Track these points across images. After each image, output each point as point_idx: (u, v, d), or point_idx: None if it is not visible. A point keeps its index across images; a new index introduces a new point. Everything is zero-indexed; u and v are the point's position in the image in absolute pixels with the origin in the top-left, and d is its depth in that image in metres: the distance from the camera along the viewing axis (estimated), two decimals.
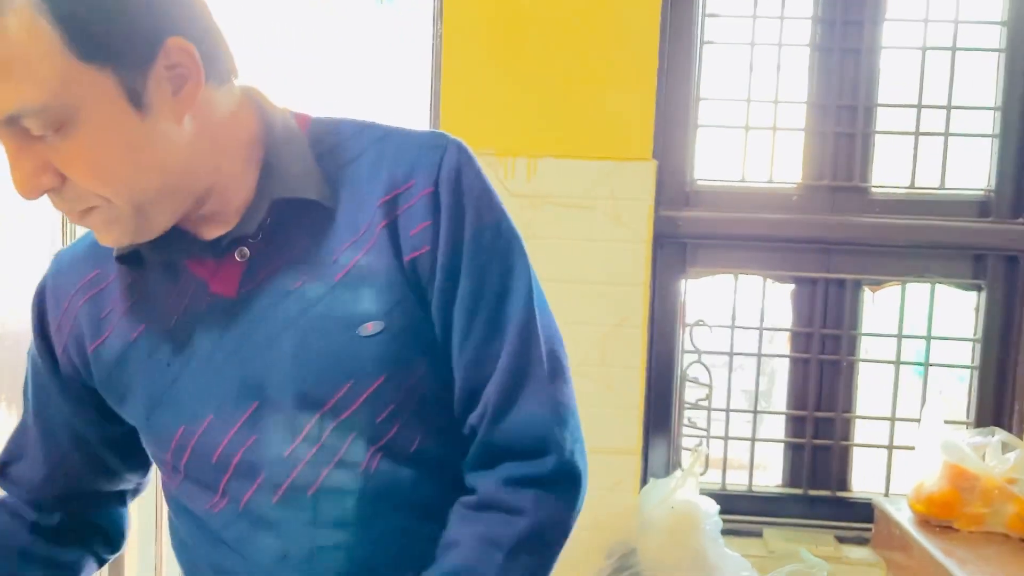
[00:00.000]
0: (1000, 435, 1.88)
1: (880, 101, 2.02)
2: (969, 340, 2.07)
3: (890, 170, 2.06)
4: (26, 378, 0.96)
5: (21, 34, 0.66)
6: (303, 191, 0.81)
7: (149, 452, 0.92)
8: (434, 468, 0.85)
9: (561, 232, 1.93)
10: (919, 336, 2.07)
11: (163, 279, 0.84)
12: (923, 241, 2.01)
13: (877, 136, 2.03)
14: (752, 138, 2.04)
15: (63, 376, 0.91)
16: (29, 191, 0.71)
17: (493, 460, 0.84)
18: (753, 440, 2.10)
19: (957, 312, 2.23)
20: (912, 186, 2.03)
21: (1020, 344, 2.00)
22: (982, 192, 2.03)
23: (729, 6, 2.03)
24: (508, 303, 0.84)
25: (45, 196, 0.75)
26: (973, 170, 2.05)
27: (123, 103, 0.70)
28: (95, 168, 0.72)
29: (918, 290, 2.07)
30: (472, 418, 0.84)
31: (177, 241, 0.82)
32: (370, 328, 0.80)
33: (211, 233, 0.82)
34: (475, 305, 0.83)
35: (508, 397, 0.83)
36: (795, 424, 2.10)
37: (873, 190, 2.04)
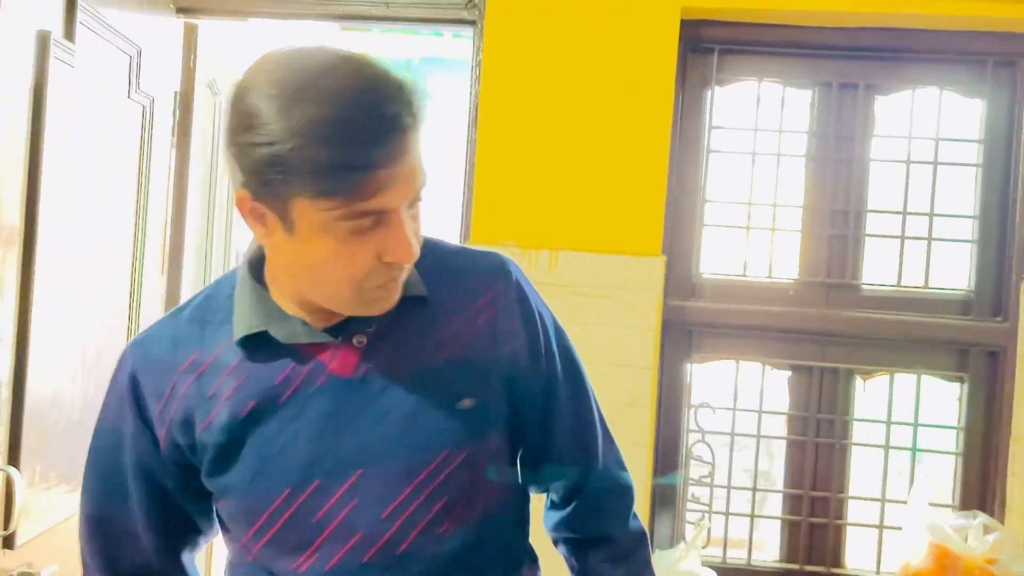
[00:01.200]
0: (982, 518, 2.03)
1: (869, 207, 2.23)
2: (953, 428, 2.23)
3: (879, 269, 2.26)
4: (107, 470, 1.02)
5: (411, 148, 0.87)
6: (414, 290, 0.98)
7: (233, 520, 1.01)
8: (490, 530, 1.02)
9: (578, 318, 2.13)
10: (907, 423, 2.24)
11: (274, 359, 0.96)
12: (910, 335, 2.19)
13: (867, 239, 2.23)
14: (753, 237, 2.24)
15: (163, 455, 0.99)
16: (414, 252, 0.91)
17: (604, 504, 1.11)
18: (752, 516, 2.25)
19: (943, 401, 2.39)
20: (899, 285, 2.23)
21: (1000, 433, 2.16)
22: (963, 292, 2.22)
23: (734, 119, 2.26)
24: (582, 373, 1.11)
25: None
26: (955, 272, 2.24)
27: None
28: (420, 237, 0.94)
29: (906, 380, 2.25)
30: (575, 471, 1.09)
31: (299, 328, 0.96)
32: (467, 403, 0.98)
33: (325, 322, 0.97)
34: (566, 380, 1.08)
35: (605, 449, 1.11)
36: (792, 502, 2.25)
37: (864, 287, 2.24)
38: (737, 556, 2.25)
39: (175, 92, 2.31)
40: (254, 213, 0.90)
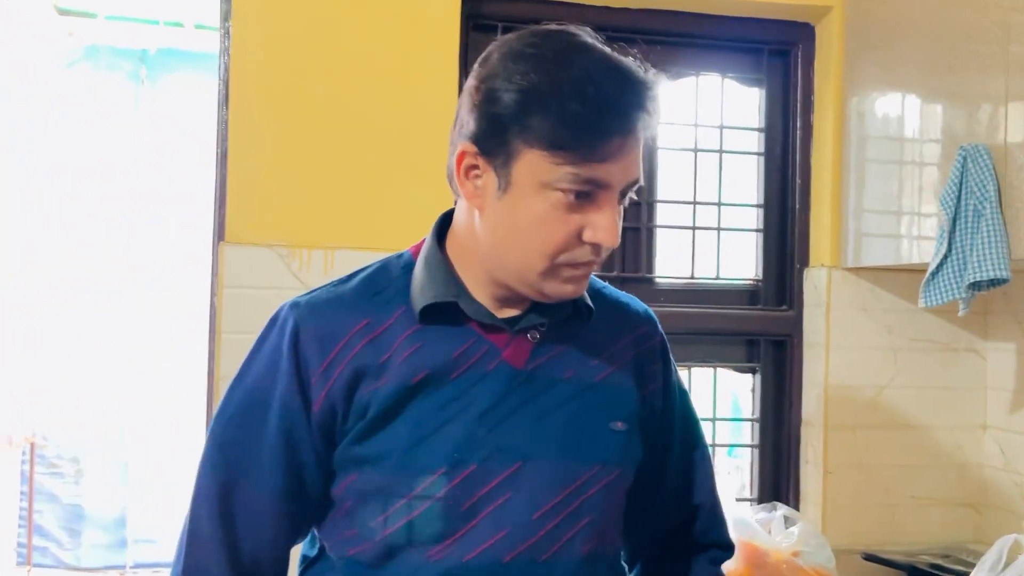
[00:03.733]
0: (782, 509, 1.99)
1: (660, 198, 2.15)
2: (749, 420, 2.20)
3: (671, 262, 2.18)
4: (244, 435, 0.97)
5: (640, 139, 0.92)
6: (586, 300, 1.01)
7: (367, 498, 0.94)
8: (610, 564, 1.04)
9: None
10: (705, 419, 2.17)
11: (449, 336, 0.96)
12: (703, 328, 2.13)
13: (658, 230, 2.15)
14: None
15: (313, 418, 0.95)
16: (617, 239, 0.92)
17: (716, 551, 1.15)
18: None
19: (742, 394, 2.38)
20: (692, 277, 2.16)
21: (791, 421, 2.16)
22: (751, 282, 2.20)
23: None
24: (700, 426, 1.16)
25: None
26: (743, 262, 2.22)
27: None
28: (620, 232, 0.94)
29: (704, 374, 2.19)
30: (699, 522, 1.13)
31: (483, 309, 0.98)
32: (619, 425, 1.00)
33: (504, 313, 0.99)
34: (691, 429, 1.13)
35: (719, 505, 1.15)
36: None
37: (658, 280, 2.15)
38: None
39: None
40: (470, 171, 0.94)
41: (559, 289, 0.94)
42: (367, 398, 0.94)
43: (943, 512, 2.10)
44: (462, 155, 0.93)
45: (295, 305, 0.99)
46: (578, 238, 0.91)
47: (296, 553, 1.04)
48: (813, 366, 2.11)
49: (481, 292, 0.98)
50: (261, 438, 0.96)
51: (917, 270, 2.00)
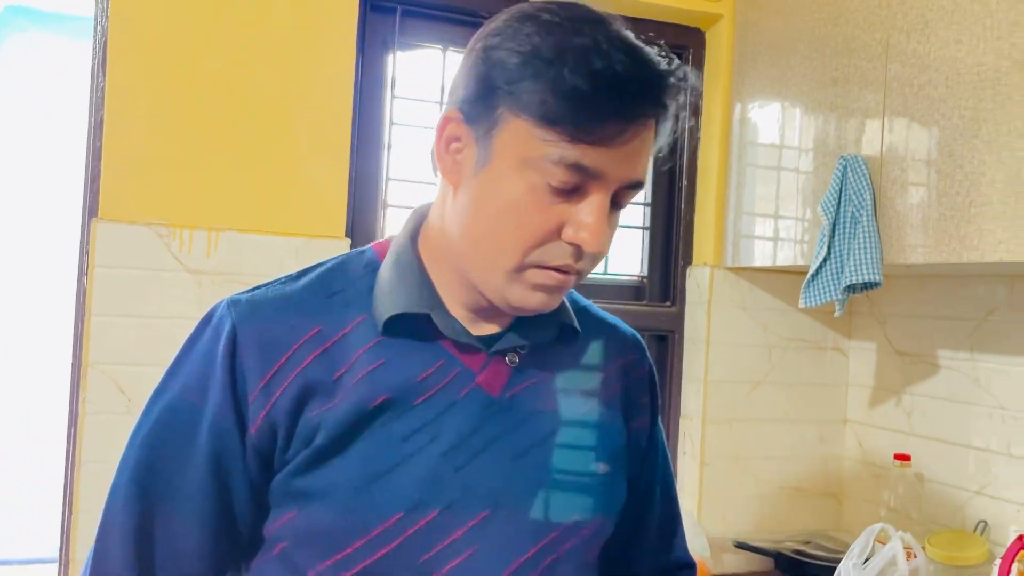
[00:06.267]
0: None
1: None
2: None
3: None
4: (167, 457, 0.81)
5: (650, 137, 0.78)
6: (569, 320, 0.89)
7: (308, 541, 0.79)
8: None
9: None
10: None
11: (417, 353, 0.83)
12: None
13: None
14: None
15: (249, 440, 0.80)
16: (605, 245, 0.78)
17: None
18: None
19: None
20: None
21: (671, 414, 2.23)
22: (637, 278, 2.25)
23: (416, 90, 2.05)
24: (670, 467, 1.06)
25: None
26: (630, 259, 2.27)
27: None
28: (610, 243, 0.81)
29: None
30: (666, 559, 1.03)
31: (458, 324, 0.84)
32: (602, 468, 0.88)
33: (480, 330, 0.86)
34: (667, 470, 1.02)
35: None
36: None
37: None
38: None
39: None
40: (450, 141, 0.80)
41: (524, 297, 0.79)
42: (316, 420, 0.79)
43: (807, 501, 2.23)
44: (445, 121, 0.79)
45: (234, 303, 0.83)
46: (557, 234, 0.77)
47: None
48: (693, 361, 2.19)
49: (456, 304, 0.85)
50: (186, 461, 0.81)
51: (792, 272, 2.11)
